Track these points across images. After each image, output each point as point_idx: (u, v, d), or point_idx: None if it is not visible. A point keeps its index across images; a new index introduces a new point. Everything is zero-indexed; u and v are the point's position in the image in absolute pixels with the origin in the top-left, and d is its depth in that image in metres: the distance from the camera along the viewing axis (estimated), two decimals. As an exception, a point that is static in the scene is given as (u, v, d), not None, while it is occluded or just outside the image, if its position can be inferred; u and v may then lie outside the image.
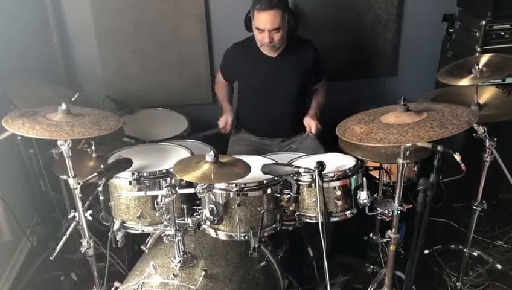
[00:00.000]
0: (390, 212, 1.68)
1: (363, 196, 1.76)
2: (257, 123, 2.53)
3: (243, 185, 1.68)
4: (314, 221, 1.76)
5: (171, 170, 1.69)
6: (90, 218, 1.67)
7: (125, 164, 1.71)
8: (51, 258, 1.72)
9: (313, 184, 1.72)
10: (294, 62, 2.39)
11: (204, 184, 1.63)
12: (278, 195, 1.75)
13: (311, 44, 2.47)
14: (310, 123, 2.35)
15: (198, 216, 1.76)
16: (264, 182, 1.71)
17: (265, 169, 1.71)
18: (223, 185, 1.69)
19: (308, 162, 1.85)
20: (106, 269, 1.75)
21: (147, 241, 1.81)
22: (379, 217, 1.75)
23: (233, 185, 1.67)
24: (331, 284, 1.66)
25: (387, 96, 3.13)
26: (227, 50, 2.49)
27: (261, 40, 2.26)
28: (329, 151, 2.07)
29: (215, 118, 2.51)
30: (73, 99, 2.06)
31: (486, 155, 1.89)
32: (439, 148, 1.61)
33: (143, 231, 1.78)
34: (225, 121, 2.45)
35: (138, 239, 1.98)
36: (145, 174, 1.74)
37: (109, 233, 1.76)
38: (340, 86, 2.88)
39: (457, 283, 2.23)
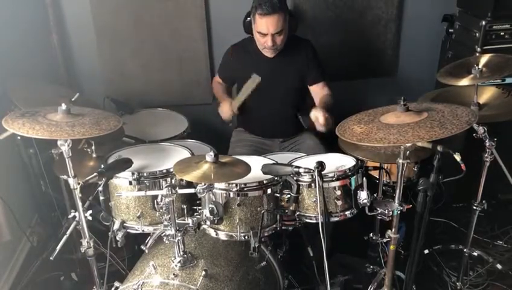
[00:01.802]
0: (390, 212, 1.68)
1: (363, 196, 1.76)
2: (258, 123, 2.53)
3: (243, 185, 1.67)
4: (314, 221, 1.76)
5: (171, 170, 1.69)
6: (90, 218, 1.66)
7: (125, 164, 1.71)
8: (51, 258, 1.71)
9: (313, 184, 1.72)
10: (291, 61, 2.39)
11: (204, 184, 1.63)
12: (278, 195, 1.75)
13: (309, 42, 2.46)
14: (317, 114, 2.13)
15: (198, 216, 1.76)
16: (264, 182, 1.71)
17: (265, 169, 1.70)
18: (223, 185, 1.68)
19: (308, 162, 1.85)
20: (106, 269, 1.74)
21: (147, 241, 1.80)
22: (379, 217, 1.74)
23: (233, 185, 1.67)
24: (331, 284, 1.67)
25: (387, 96, 3.11)
26: (226, 52, 2.50)
27: (264, 44, 2.26)
28: (329, 151, 2.07)
29: (215, 118, 2.51)
30: (73, 100, 2.06)
31: (486, 155, 1.89)
32: (439, 148, 1.61)
33: (143, 231, 1.78)
34: (228, 106, 2.34)
35: (138, 239, 1.98)
36: (145, 174, 1.74)
37: (109, 233, 1.76)
38: (340, 86, 2.86)
39: (457, 283, 2.22)
